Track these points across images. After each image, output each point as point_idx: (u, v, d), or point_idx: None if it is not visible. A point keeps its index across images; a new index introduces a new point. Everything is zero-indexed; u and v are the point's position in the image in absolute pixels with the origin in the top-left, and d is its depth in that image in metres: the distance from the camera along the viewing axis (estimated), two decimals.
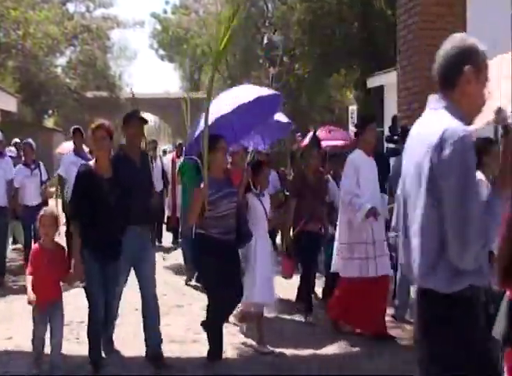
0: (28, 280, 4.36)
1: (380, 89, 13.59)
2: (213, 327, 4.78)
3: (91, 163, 4.74)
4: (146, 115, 26.47)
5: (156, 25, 38.15)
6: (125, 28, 38.10)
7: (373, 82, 14.14)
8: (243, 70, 20.58)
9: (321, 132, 10.54)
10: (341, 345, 5.35)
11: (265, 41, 17.03)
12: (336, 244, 5.67)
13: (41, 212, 4.53)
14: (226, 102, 5.07)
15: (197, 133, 5.03)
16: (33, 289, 4.28)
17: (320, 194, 6.34)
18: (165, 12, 37.73)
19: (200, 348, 5.10)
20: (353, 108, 15.93)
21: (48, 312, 4.36)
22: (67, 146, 15.08)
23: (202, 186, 4.62)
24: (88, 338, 4.58)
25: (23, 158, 8.87)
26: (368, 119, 5.96)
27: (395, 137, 8.16)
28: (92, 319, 4.55)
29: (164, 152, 17.48)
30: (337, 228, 5.73)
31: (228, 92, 5.57)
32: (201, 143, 4.77)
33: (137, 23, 35.07)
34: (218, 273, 4.64)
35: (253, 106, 5.08)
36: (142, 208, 4.84)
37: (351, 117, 15.29)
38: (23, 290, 7.20)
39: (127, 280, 5.04)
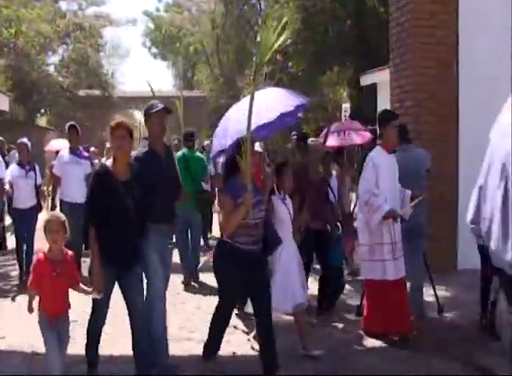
0: (31, 296, 3.99)
1: (372, 87, 13.60)
2: (217, 326, 4.71)
3: (109, 163, 4.34)
4: (138, 113, 26.47)
5: (148, 23, 38.25)
6: (118, 26, 38.36)
7: (365, 80, 14.16)
8: (236, 68, 20.57)
9: (342, 124, 10.55)
10: (339, 345, 5.34)
11: (258, 39, 16.99)
12: (359, 247, 5.56)
13: (47, 217, 4.07)
14: (267, 107, 4.70)
15: (232, 138, 4.62)
16: (39, 304, 4.00)
17: (323, 192, 6.22)
18: (158, 10, 37.86)
19: (194, 346, 5.09)
20: (346, 106, 15.91)
21: (56, 326, 4.04)
22: (56, 145, 14.96)
23: (247, 195, 4.21)
24: (86, 338, 4.51)
25: (5, 156, 8.55)
26: (390, 116, 5.60)
27: None
28: (93, 324, 4.45)
29: None
30: (358, 230, 5.58)
31: (263, 95, 5.00)
32: (231, 147, 4.51)
33: (129, 21, 35.25)
34: (241, 283, 4.47)
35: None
36: (167, 206, 4.56)
37: (344, 115, 15.29)
38: (15, 290, 7.23)
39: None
